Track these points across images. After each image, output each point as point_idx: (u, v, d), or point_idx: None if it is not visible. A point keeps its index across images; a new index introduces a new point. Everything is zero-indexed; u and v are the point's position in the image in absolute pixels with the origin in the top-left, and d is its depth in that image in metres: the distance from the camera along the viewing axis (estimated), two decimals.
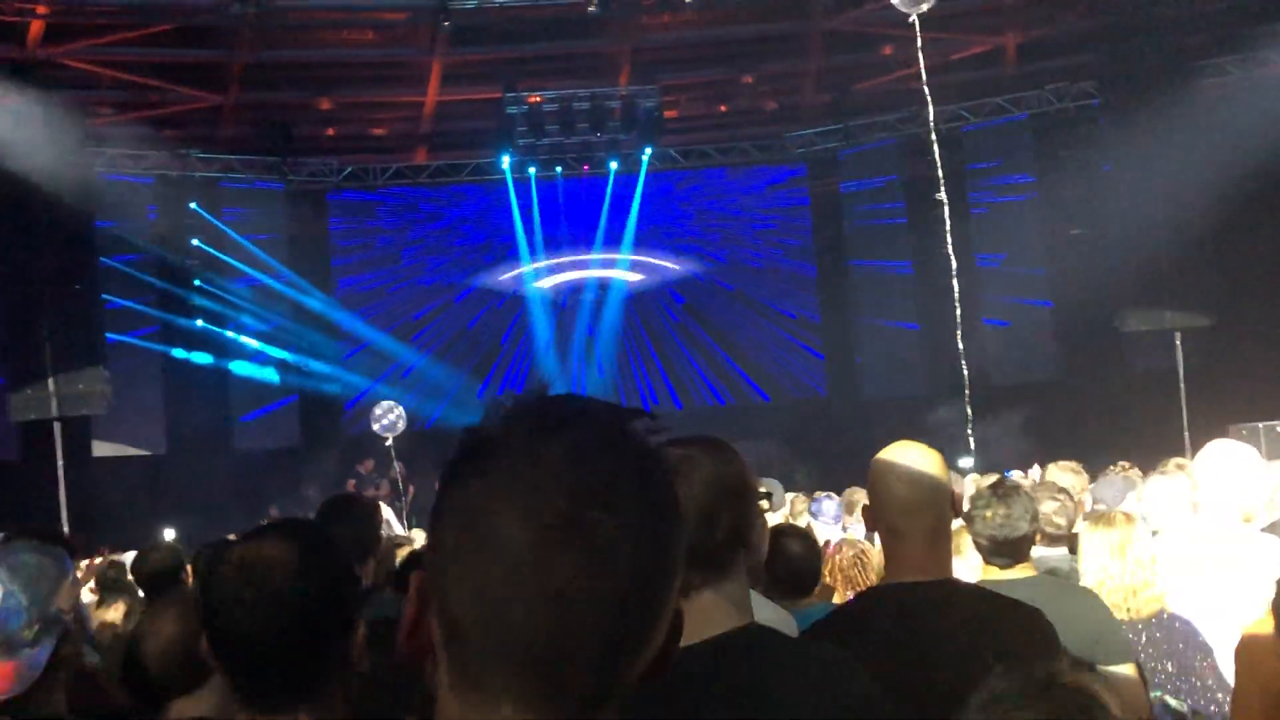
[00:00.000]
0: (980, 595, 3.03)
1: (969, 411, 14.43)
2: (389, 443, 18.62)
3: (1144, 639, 4.45)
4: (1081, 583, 4.56)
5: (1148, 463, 13.98)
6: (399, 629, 1.14)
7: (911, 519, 2.86)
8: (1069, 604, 3.98)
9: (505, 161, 22.08)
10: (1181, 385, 17.14)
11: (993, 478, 4.60)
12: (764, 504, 2.41)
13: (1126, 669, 4.02)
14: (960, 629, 2.70)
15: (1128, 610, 4.47)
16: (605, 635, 1.05)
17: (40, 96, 17.47)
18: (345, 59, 22.35)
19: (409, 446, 19.58)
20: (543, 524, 1.04)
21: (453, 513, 1.10)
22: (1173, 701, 4.24)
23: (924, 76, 15.86)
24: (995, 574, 4.13)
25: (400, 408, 18.92)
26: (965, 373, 14.14)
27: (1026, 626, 2.84)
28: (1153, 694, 4.26)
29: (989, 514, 4.11)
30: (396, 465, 19.54)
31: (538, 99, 21.14)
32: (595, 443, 1.10)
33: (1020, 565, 4.16)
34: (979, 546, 4.18)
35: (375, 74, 22.77)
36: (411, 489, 19.10)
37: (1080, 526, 4.89)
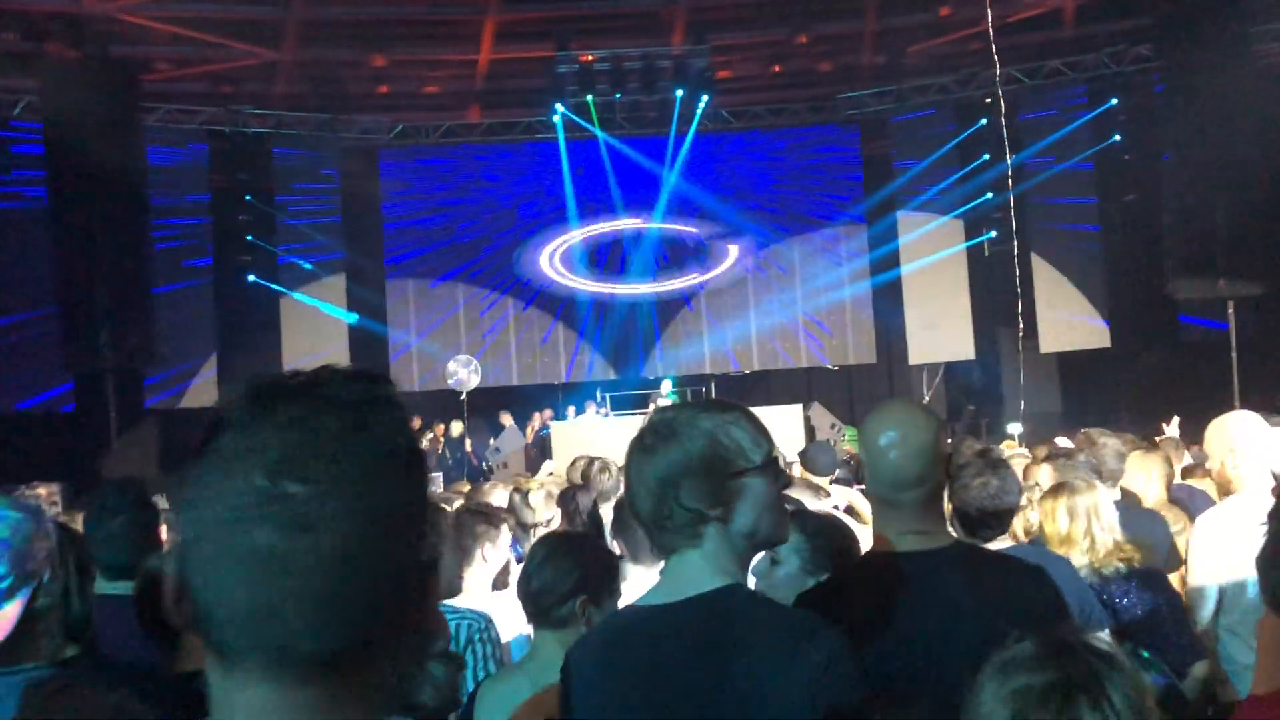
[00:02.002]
0: (984, 555, 3.00)
1: (1011, 375, 14.31)
2: (462, 397, 18.80)
3: (1116, 591, 4.41)
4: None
5: (1198, 433, 13.89)
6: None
7: (905, 485, 2.78)
8: (1051, 572, 3.98)
9: (556, 120, 22.05)
10: (1234, 354, 16.94)
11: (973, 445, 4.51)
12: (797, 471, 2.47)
13: (1106, 635, 3.99)
14: (968, 590, 2.68)
15: (1099, 568, 4.42)
16: (314, 599, 1.09)
17: (95, 52, 17.63)
18: (398, 16, 22.35)
19: (450, 402, 19.83)
20: (241, 500, 1.10)
21: (182, 497, 1.15)
22: (1145, 654, 4.23)
23: (991, 33, 15.71)
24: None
25: (475, 362, 19.08)
26: (1019, 340, 14.02)
27: (1034, 584, 2.81)
28: (1123, 645, 4.25)
29: (979, 483, 4.00)
30: (453, 423, 19.75)
31: (589, 58, 21.10)
32: (305, 415, 1.14)
33: (1001, 537, 4.10)
34: (964, 516, 4.04)
35: (428, 32, 22.75)
36: (469, 442, 19.36)
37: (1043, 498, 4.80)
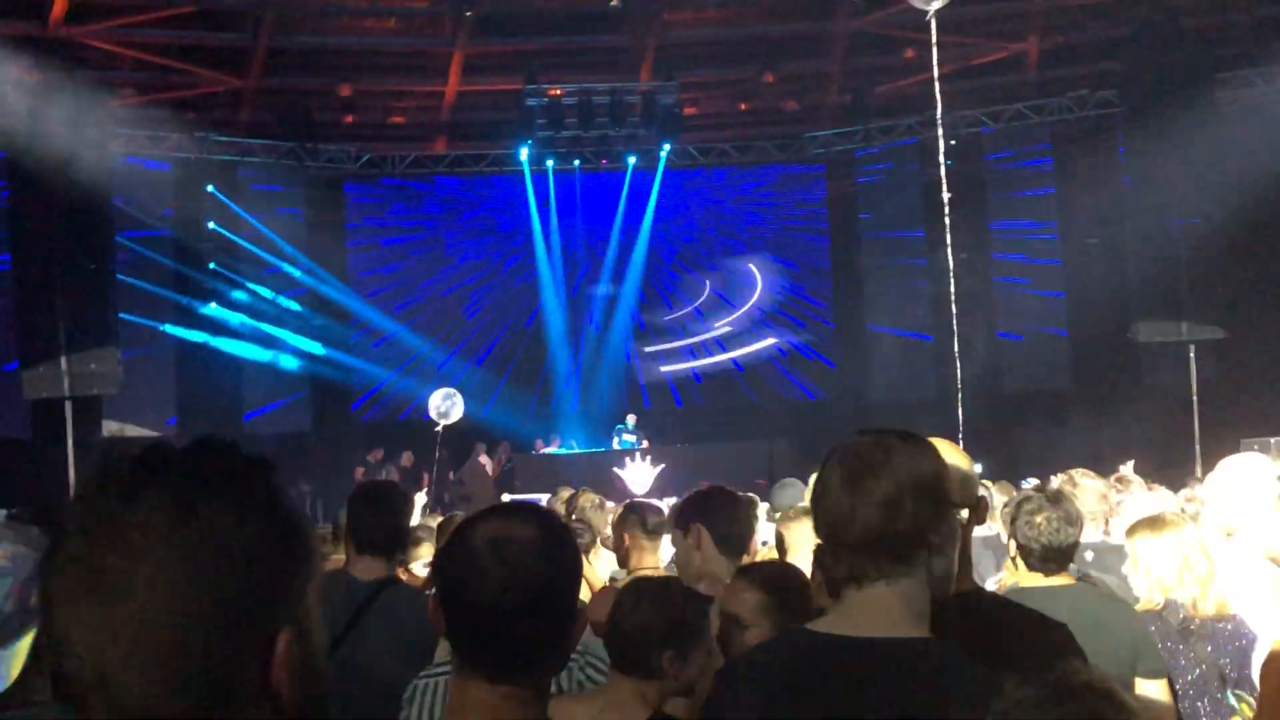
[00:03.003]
0: (1005, 606, 2.96)
1: (960, 417, 14.33)
2: (439, 428, 18.75)
3: (1212, 637, 4.35)
4: (1138, 589, 4.49)
5: (1159, 475, 13.97)
6: None
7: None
8: (1109, 615, 3.95)
9: (524, 154, 22.06)
10: (1194, 398, 17.05)
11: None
12: (962, 515, 2.38)
13: (1159, 685, 3.96)
14: (983, 640, 2.63)
15: (1195, 611, 4.37)
16: (139, 664, 1.16)
17: (61, 76, 17.49)
18: (367, 46, 22.38)
19: (408, 436, 19.72)
20: (66, 571, 1.18)
21: (40, 570, 1.23)
22: (1233, 695, 4.20)
23: (936, 74, 15.82)
24: (1038, 580, 4.05)
25: (458, 396, 19.01)
26: (959, 377, 14.05)
27: (1050, 640, 2.76)
28: (1230, 692, 4.22)
29: (1041, 519, 4.01)
30: (404, 454, 19.62)
31: (558, 92, 21.13)
32: (140, 489, 1.20)
33: (1063, 572, 4.11)
34: (1027, 551, 4.06)
35: (396, 62, 22.79)
36: (427, 476, 19.22)
37: (1133, 533, 4.73)
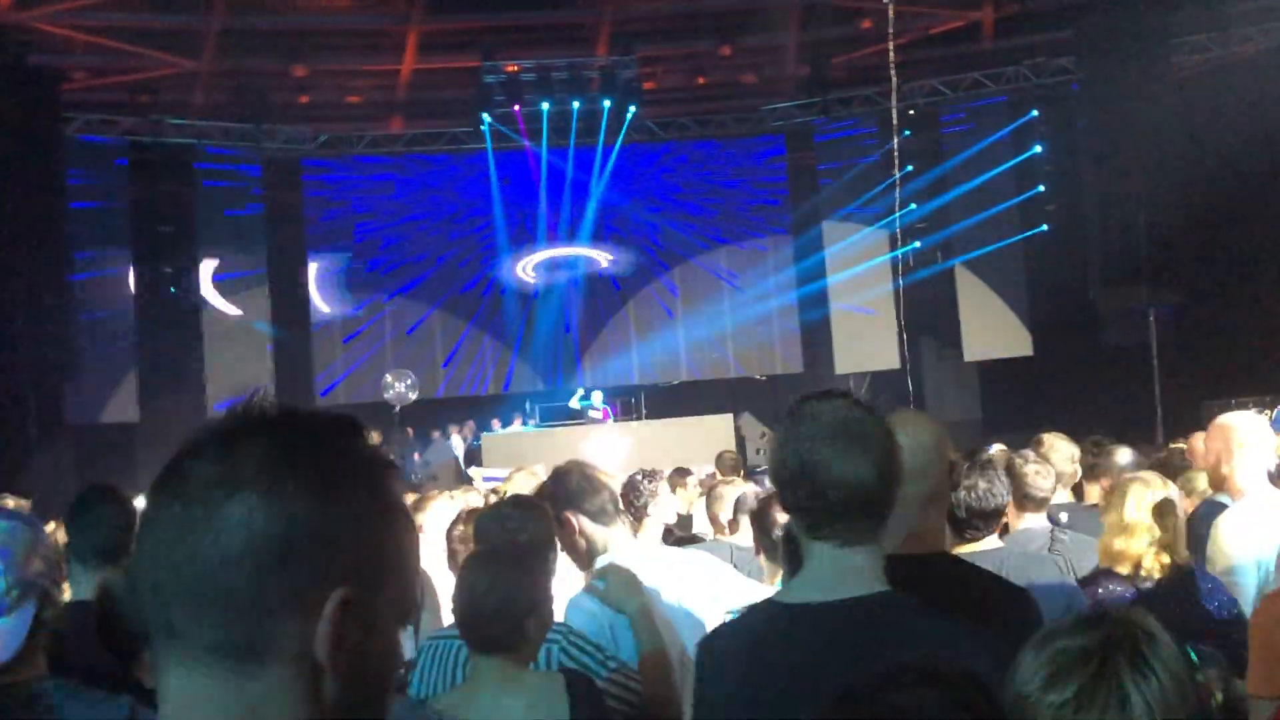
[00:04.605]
0: (971, 572, 3.03)
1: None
2: (396, 410, 18.71)
3: (1174, 590, 4.43)
4: (1114, 535, 4.53)
5: (1120, 439, 14.08)
6: None
7: (907, 478, 2.78)
8: (1036, 573, 3.97)
9: (482, 131, 21.95)
10: (1155, 361, 17.20)
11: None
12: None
13: None
14: (949, 606, 2.70)
15: (1160, 564, 4.44)
16: (194, 605, 1.16)
17: (12, 61, 17.33)
18: (321, 26, 22.20)
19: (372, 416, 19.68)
20: (170, 508, 1.18)
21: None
22: (1192, 653, 4.26)
23: (892, 57, 15.88)
24: (964, 546, 4.08)
25: (412, 376, 18.96)
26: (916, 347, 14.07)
27: (1016, 605, 2.85)
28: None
29: (966, 484, 4.06)
30: (371, 434, 19.57)
31: (515, 68, 21.04)
32: (233, 441, 1.20)
33: (989, 537, 4.16)
34: (954, 517, 4.06)
35: (351, 42, 22.64)
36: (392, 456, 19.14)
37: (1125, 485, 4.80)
